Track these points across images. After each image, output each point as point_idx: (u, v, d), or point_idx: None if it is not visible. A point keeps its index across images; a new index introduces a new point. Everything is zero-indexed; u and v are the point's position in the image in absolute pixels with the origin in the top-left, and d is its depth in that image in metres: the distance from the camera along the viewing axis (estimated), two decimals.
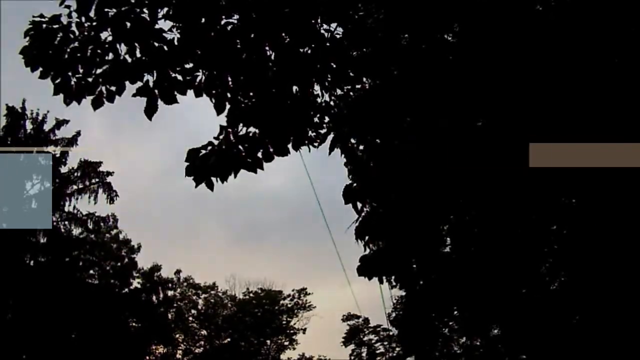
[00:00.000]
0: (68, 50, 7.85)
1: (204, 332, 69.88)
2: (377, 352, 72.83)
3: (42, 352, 38.71)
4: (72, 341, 42.10)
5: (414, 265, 10.86)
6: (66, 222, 43.84)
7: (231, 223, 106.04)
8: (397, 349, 66.38)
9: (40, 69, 7.79)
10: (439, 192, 9.08)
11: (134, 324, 53.56)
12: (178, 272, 67.67)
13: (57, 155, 42.90)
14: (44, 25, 7.78)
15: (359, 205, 9.43)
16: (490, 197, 9.68)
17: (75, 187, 43.96)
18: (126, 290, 53.27)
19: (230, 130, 8.80)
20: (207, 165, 8.63)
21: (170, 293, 63.13)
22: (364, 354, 73.17)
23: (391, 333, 67.67)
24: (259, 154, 8.80)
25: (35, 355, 39.01)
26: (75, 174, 44.04)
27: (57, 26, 7.80)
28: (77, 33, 7.85)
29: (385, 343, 71.83)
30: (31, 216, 40.52)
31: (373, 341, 73.27)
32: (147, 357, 59.19)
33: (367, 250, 9.83)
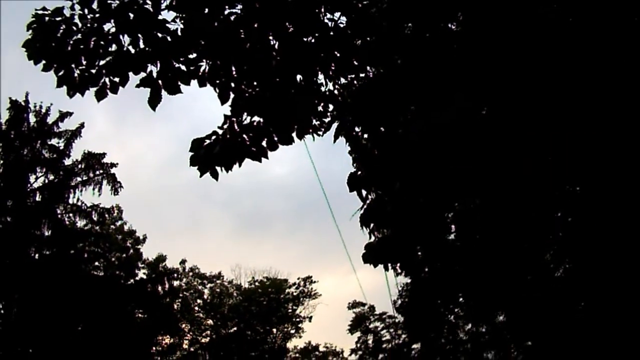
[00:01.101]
0: (71, 42, 7.86)
1: (210, 321, 69.80)
2: (383, 339, 72.95)
3: (48, 345, 38.76)
4: (78, 333, 42.18)
5: (419, 253, 10.88)
6: (70, 214, 43.75)
7: (236, 212, 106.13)
8: (403, 335, 66.51)
9: (43, 61, 7.80)
10: (443, 181, 9.08)
11: (140, 315, 53.68)
12: (183, 262, 67.69)
13: (61, 148, 42.90)
14: (47, 18, 7.79)
15: (364, 192, 9.44)
16: (495, 185, 9.68)
17: (79, 179, 43.86)
18: (132, 281, 53.29)
19: (234, 119, 8.81)
20: (211, 155, 8.63)
21: (175, 283, 63.04)
22: (370, 341, 73.29)
23: (397, 320, 67.80)
24: (264, 143, 8.80)
25: (41, 348, 39.08)
26: (79, 166, 43.97)
27: (59, 18, 7.80)
28: (79, 25, 7.86)
29: (392, 330, 71.95)
30: (35, 209, 40.63)
31: (379, 328, 73.40)
32: (154, 348, 59.36)
33: (372, 238, 9.85)
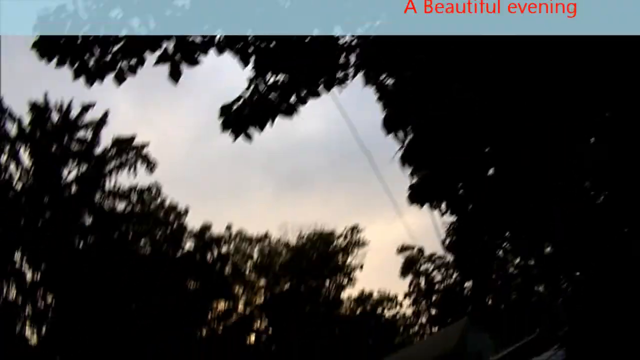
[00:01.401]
0: (80, 35, 7.74)
1: (262, 282, 70.28)
2: (435, 280, 73.01)
3: (102, 335, 39.05)
4: (132, 313, 42.57)
5: (462, 190, 10.74)
6: (109, 200, 44.31)
7: (276, 174, 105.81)
8: (454, 275, 66.42)
9: (56, 57, 7.71)
10: (477, 119, 8.91)
11: (192, 285, 54.31)
12: (229, 227, 67.64)
13: (89, 139, 43.20)
14: (52, 18, 7.66)
15: (401, 133, 9.32)
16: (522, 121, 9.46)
17: (113, 164, 44.28)
18: (179, 253, 53.86)
19: (258, 80, 8.71)
20: (242, 117, 8.67)
21: (224, 249, 63.61)
22: (422, 284, 73.44)
23: (447, 261, 67.49)
24: (292, 99, 8.77)
25: (95, 338, 39.20)
26: (111, 152, 44.38)
27: (64, 15, 7.67)
28: (86, 17, 7.73)
29: (443, 270, 71.94)
30: (73, 201, 41.11)
31: (430, 270, 73.42)
32: (209, 315, 60.08)
33: (414, 179, 9.76)
